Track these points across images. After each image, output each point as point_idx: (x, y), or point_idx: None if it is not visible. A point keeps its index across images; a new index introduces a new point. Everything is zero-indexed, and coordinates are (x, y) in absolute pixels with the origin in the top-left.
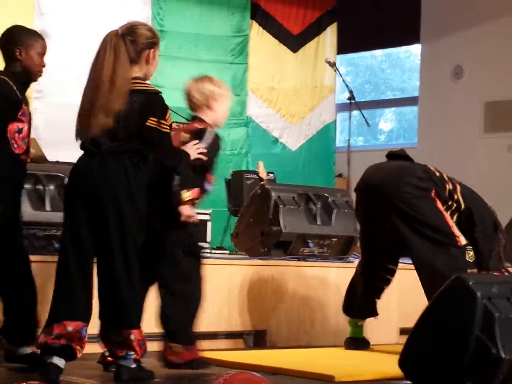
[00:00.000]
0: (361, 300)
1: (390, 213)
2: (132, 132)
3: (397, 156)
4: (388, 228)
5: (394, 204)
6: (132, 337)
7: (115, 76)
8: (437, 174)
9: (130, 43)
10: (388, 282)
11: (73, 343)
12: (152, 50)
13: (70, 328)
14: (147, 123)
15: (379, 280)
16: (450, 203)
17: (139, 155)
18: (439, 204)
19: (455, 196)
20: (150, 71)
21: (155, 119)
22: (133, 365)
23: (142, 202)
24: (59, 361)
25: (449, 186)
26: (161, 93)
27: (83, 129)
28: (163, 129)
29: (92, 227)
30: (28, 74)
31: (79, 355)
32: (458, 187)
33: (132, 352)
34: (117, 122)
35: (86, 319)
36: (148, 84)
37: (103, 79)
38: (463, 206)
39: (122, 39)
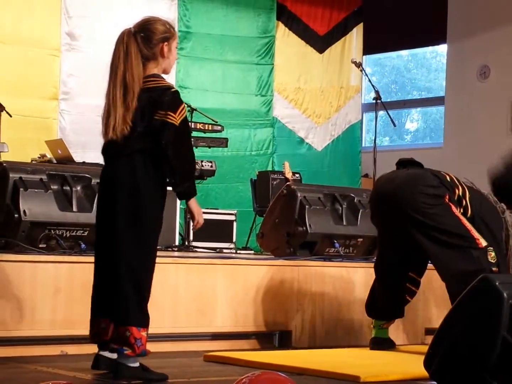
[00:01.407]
0: (384, 303)
1: (406, 224)
2: (141, 131)
3: (407, 163)
4: (406, 238)
5: (410, 215)
6: (127, 334)
7: (126, 77)
8: (448, 178)
9: (143, 40)
10: (412, 293)
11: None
12: (166, 43)
13: (103, 325)
14: (155, 117)
15: (401, 287)
16: (458, 209)
17: (150, 154)
18: (454, 208)
19: (463, 202)
20: (168, 64)
21: (162, 112)
22: (134, 364)
23: (151, 200)
24: (105, 353)
25: (458, 191)
26: (173, 88)
27: (105, 130)
28: (169, 120)
29: (107, 223)
30: None
31: None
32: (467, 193)
33: (127, 348)
34: (130, 122)
35: None
36: (161, 80)
37: (115, 80)
38: (469, 213)
39: (134, 37)
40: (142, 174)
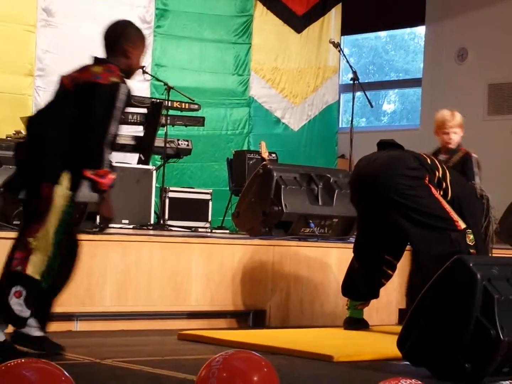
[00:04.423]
0: (360, 284)
1: (386, 206)
2: None
3: (387, 144)
4: (385, 220)
5: (390, 197)
6: None
7: None
8: (428, 160)
9: None
10: (387, 276)
11: None
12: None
13: None
14: None
15: (377, 269)
16: (438, 191)
17: None
18: (433, 190)
19: (444, 184)
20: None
21: None
22: None
23: None
24: None
25: (439, 173)
26: None
27: None
28: None
29: None
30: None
31: None
32: (448, 175)
33: None
34: None
35: None
36: None
37: None
38: (449, 195)
39: None
40: None
